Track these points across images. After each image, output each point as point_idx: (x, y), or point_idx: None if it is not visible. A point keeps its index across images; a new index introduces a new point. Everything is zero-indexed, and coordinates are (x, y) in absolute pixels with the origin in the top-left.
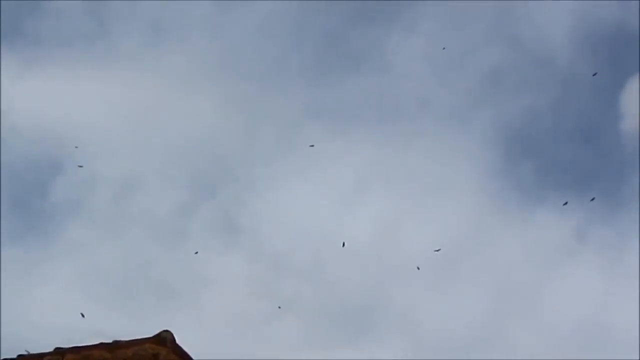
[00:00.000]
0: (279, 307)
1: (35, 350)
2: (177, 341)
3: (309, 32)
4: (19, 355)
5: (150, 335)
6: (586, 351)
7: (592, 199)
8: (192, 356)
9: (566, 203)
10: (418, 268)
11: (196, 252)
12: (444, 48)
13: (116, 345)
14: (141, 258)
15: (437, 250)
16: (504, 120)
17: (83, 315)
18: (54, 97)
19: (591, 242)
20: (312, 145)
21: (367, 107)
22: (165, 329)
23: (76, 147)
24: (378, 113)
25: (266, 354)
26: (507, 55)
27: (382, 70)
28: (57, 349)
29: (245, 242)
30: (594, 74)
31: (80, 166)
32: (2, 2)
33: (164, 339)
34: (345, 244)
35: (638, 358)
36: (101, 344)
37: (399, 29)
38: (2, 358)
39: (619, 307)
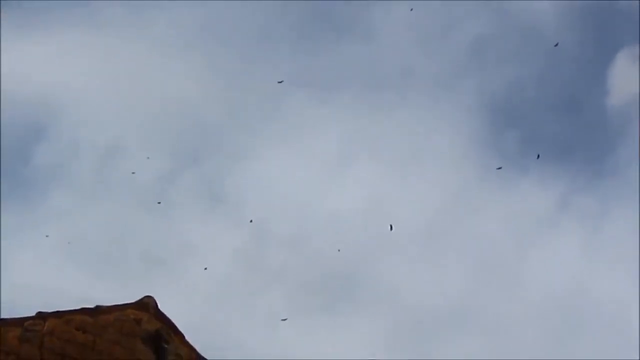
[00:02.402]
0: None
1: (17, 314)
2: (160, 307)
3: (295, 0)
4: (0, 319)
5: (133, 301)
6: (566, 320)
7: (538, 157)
8: (175, 322)
9: (500, 168)
10: (391, 227)
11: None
12: (411, 9)
13: (98, 310)
14: (125, 225)
15: (391, 229)
16: (488, 90)
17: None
18: (38, 64)
19: (573, 211)
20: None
21: (351, 75)
22: (147, 295)
23: None
24: (363, 82)
25: (248, 321)
26: (493, 25)
27: (367, 39)
28: (39, 313)
29: (228, 211)
30: (556, 44)
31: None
32: None
33: (146, 305)
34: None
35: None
36: (83, 309)
37: None
38: None
39: (599, 275)
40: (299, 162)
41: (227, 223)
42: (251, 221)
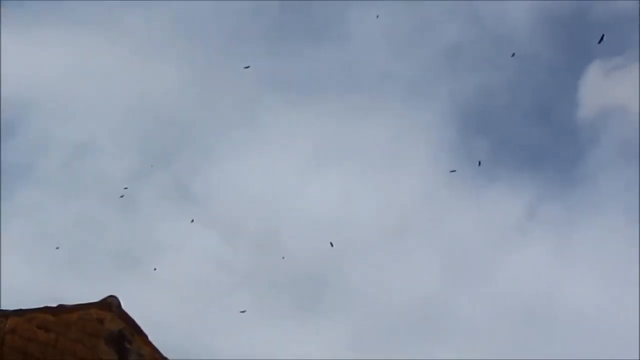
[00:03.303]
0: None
1: None
2: (124, 307)
3: (270, 1)
4: None
5: (96, 300)
6: (533, 324)
7: (479, 164)
8: (141, 322)
9: (453, 171)
10: (331, 244)
11: (192, 220)
12: (377, 16)
13: (61, 309)
14: (93, 223)
15: (332, 245)
16: (461, 97)
17: None
18: (10, 61)
19: (542, 219)
20: (244, 311)
21: (327, 78)
22: (111, 294)
23: None
24: (338, 85)
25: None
26: (467, 32)
27: (342, 43)
28: (0, 311)
29: (200, 210)
30: (512, 54)
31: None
32: None
33: (109, 305)
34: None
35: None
36: (46, 307)
37: (361, 1)
38: None
39: (566, 280)
40: (272, 163)
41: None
42: (193, 220)
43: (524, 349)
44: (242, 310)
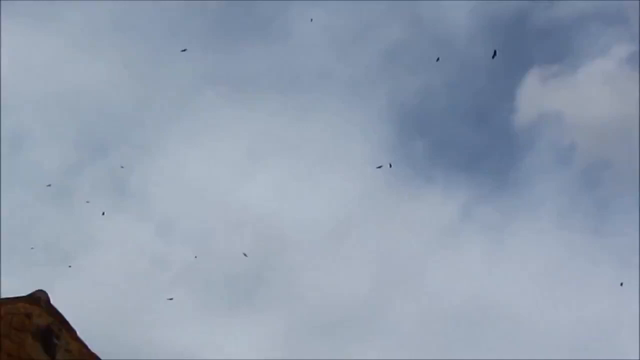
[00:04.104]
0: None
1: None
2: (53, 302)
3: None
4: None
5: (24, 294)
6: (465, 326)
7: (390, 165)
8: (70, 317)
9: (380, 167)
10: (245, 255)
11: (103, 213)
12: (311, 20)
13: None
14: (27, 216)
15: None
16: (400, 97)
17: None
18: None
19: (476, 221)
20: (171, 299)
21: (267, 76)
22: (39, 289)
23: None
24: (277, 82)
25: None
26: (407, 32)
27: (283, 40)
28: None
29: (134, 205)
30: (437, 59)
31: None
32: None
33: (38, 299)
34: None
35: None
36: None
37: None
38: None
39: (499, 284)
40: (209, 160)
41: (132, 218)
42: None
43: (455, 350)
44: (170, 297)
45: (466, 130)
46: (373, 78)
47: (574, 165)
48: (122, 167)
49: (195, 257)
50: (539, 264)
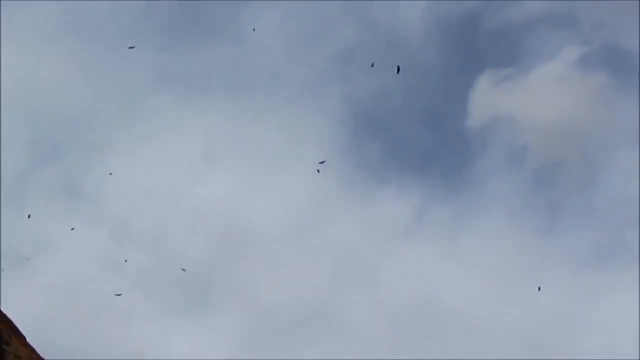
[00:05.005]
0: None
1: None
2: (1, 307)
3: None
4: None
5: None
6: (419, 326)
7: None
8: (20, 323)
9: (322, 162)
10: (183, 270)
11: (29, 216)
12: (253, 29)
13: None
14: None
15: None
16: (354, 99)
17: None
18: None
19: (430, 221)
20: (119, 294)
21: (219, 77)
22: None
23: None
24: (230, 84)
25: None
26: (360, 34)
27: (236, 41)
28: None
29: (86, 208)
30: (372, 65)
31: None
32: None
33: None
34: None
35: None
36: None
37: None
38: None
39: (452, 283)
40: (162, 162)
41: (85, 221)
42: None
43: (408, 349)
44: (118, 293)
45: (420, 132)
46: (326, 79)
47: (526, 166)
48: (110, 173)
49: (183, 269)
50: (491, 262)
